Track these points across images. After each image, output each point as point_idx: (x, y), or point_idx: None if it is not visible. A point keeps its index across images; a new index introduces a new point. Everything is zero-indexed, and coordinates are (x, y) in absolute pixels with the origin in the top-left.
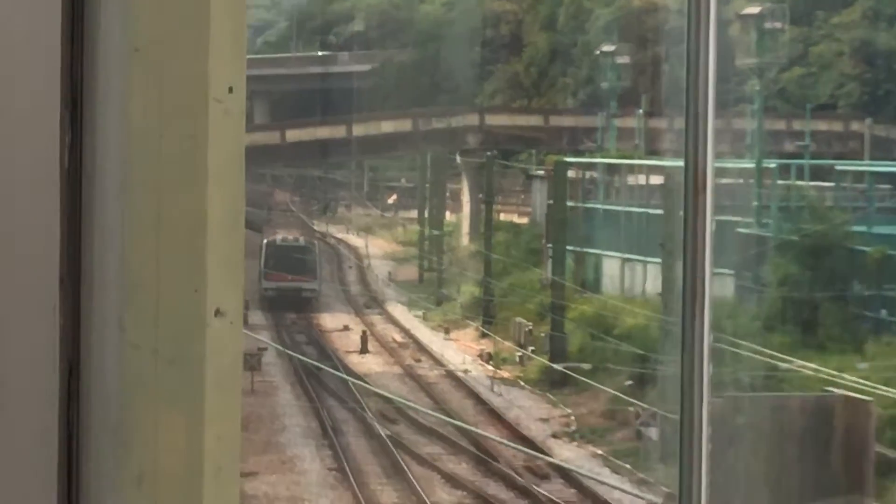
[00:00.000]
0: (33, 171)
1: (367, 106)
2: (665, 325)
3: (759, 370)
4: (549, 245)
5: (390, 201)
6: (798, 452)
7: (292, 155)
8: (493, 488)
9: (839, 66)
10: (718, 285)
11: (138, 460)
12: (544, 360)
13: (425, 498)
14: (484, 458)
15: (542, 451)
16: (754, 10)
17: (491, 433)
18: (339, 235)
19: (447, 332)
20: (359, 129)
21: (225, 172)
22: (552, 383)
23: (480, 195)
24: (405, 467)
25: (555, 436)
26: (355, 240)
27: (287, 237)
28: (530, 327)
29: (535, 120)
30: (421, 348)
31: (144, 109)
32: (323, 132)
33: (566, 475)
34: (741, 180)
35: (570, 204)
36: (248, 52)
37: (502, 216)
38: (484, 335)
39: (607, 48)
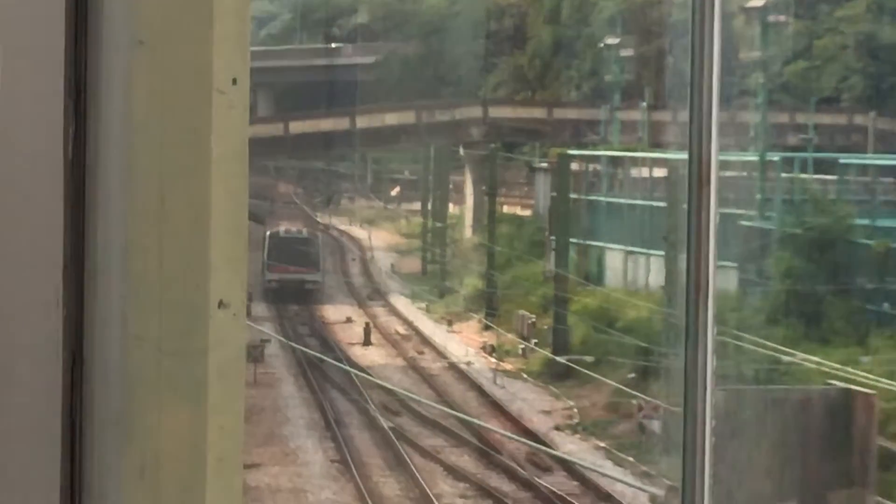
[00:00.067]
0: (36, 162)
1: (370, 98)
2: (668, 318)
3: (761, 363)
4: (553, 237)
5: (393, 193)
6: (800, 445)
7: (295, 147)
8: (496, 481)
9: (843, 59)
10: (722, 278)
11: (141, 451)
12: (547, 353)
13: (428, 490)
14: (486, 450)
15: (545, 444)
16: (758, 2)
17: (493, 425)
18: (343, 227)
19: (450, 324)
20: (362, 122)
21: (228, 164)
22: (555, 376)
23: (484, 187)
24: (408, 459)
25: (557, 428)
26: (358, 232)
27: (290, 229)
28: (533, 320)
29: (538, 112)
30: (424, 340)
31: (148, 101)
32: (326, 124)
33: (569, 467)
34: (745, 173)
35: (573, 196)
36: (252, 43)
37: (505, 208)
38: (487, 327)
39: (611, 41)
